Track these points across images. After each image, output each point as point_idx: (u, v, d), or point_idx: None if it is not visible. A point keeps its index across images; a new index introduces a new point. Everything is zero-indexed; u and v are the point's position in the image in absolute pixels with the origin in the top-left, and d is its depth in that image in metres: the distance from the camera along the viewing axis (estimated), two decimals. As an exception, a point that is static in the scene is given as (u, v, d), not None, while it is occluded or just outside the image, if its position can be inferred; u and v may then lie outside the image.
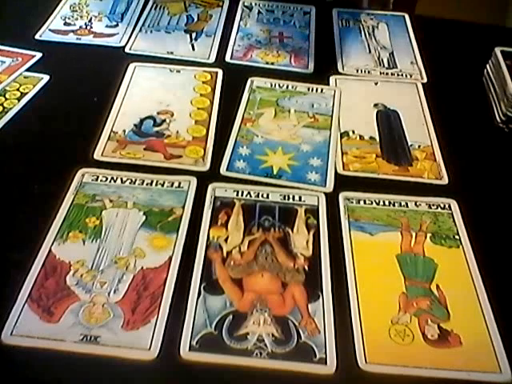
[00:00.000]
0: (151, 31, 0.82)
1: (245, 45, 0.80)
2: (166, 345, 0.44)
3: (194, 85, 0.72)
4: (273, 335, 0.45)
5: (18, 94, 0.67)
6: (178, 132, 0.64)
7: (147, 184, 0.57)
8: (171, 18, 0.85)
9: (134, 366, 0.43)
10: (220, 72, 0.74)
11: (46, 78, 0.70)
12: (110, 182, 0.57)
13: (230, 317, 0.46)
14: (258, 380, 0.43)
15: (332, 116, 0.68)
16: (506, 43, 0.75)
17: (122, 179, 0.58)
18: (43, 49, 0.74)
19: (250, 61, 0.77)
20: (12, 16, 0.82)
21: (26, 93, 0.68)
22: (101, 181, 0.57)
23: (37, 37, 0.78)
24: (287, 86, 0.73)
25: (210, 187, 0.57)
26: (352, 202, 0.57)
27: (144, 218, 0.54)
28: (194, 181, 0.58)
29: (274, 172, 0.60)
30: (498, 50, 0.73)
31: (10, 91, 0.68)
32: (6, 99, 0.66)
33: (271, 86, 0.73)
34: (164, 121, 0.66)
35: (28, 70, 0.71)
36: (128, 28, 0.82)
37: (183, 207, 0.55)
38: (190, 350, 0.44)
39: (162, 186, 0.57)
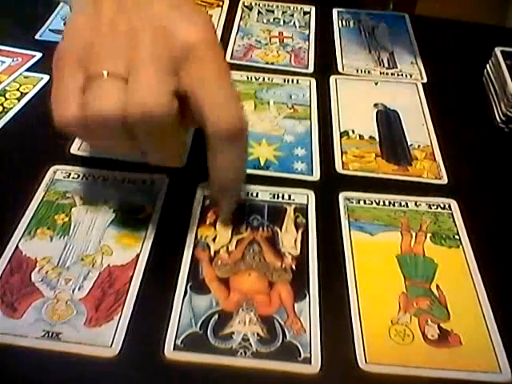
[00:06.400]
0: (151, 31, 0.82)
1: (245, 45, 0.80)
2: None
3: None
4: (258, 334, 0.45)
5: (18, 94, 0.67)
6: None
7: (119, 182, 0.57)
8: (171, 17, 0.85)
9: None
10: None
11: (46, 78, 0.70)
12: (82, 179, 0.57)
13: (216, 316, 0.46)
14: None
15: (310, 106, 0.69)
16: (506, 43, 0.75)
17: (94, 176, 0.57)
18: (43, 49, 0.74)
19: (250, 61, 0.77)
20: (12, 16, 0.82)
21: (26, 93, 0.68)
22: (73, 178, 0.57)
23: (37, 37, 0.78)
24: (263, 79, 0.73)
25: (199, 185, 0.57)
26: (352, 202, 0.57)
27: (114, 215, 0.54)
28: (166, 178, 0.57)
29: (262, 163, 0.60)
30: (498, 50, 0.73)
31: (10, 91, 0.68)
32: (6, 99, 0.66)
33: (248, 78, 0.73)
34: None
35: (28, 69, 0.71)
36: (128, 28, 0.82)
37: (154, 205, 0.55)
38: (174, 349, 0.44)
39: (134, 183, 0.57)
